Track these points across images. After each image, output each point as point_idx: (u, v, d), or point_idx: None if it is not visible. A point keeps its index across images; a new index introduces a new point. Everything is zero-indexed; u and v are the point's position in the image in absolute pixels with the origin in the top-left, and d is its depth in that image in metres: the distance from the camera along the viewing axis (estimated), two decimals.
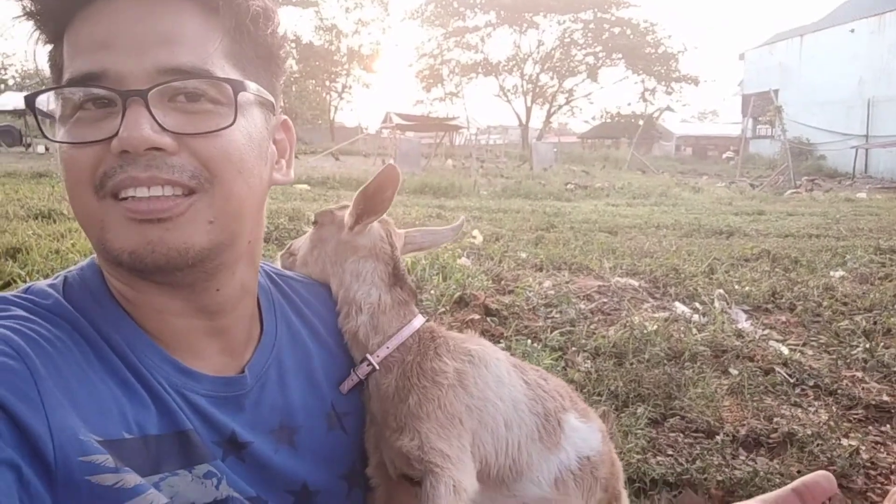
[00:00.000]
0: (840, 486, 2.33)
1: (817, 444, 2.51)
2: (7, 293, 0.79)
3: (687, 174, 22.39)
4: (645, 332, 3.44)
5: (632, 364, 3.07)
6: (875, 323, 4.03)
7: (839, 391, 3.06)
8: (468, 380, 0.93)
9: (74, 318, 0.75)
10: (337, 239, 1.02)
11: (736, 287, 4.65)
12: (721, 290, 4.51)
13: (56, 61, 0.74)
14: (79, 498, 0.66)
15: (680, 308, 4.12)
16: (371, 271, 0.99)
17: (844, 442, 2.60)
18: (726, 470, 2.26)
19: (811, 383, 3.14)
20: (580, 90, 47.68)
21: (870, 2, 26.19)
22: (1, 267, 3.77)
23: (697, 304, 4.26)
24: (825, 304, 4.39)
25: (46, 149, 15.65)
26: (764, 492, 0.83)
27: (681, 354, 3.23)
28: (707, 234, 7.62)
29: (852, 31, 26.85)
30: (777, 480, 2.18)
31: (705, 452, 2.37)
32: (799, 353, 3.50)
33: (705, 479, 2.21)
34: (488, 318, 3.64)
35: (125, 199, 0.70)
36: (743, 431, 2.58)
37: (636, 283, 4.65)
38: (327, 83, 44.80)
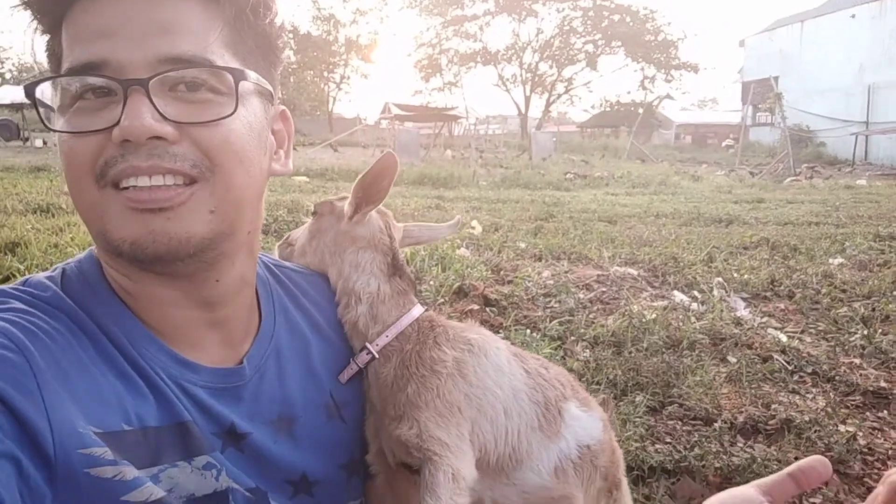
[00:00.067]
0: (837, 471, 2.34)
1: (815, 431, 2.52)
2: (5, 286, 0.79)
3: (686, 162, 22.34)
4: (643, 320, 3.45)
5: (630, 353, 3.08)
6: (873, 309, 4.04)
7: (837, 378, 3.07)
8: (467, 369, 0.94)
9: (73, 310, 0.75)
10: (336, 229, 1.02)
11: (735, 275, 4.65)
12: (720, 279, 4.51)
13: (54, 51, 0.74)
14: (78, 490, 0.67)
15: (678, 296, 4.13)
16: (370, 261, 1.00)
17: (842, 428, 2.61)
18: (724, 457, 2.27)
19: (809, 370, 3.15)
20: (579, 79, 47.42)
21: None
22: (0, 261, 3.78)
23: (696, 293, 4.27)
24: (824, 291, 4.40)
25: (44, 142, 15.60)
26: (761, 478, 0.84)
27: (679, 342, 3.24)
28: (706, 223, 7.62)
29: (853, 16, 26.68)
30: (774, 467, 2.19)
31: (703, 440, 2.39)
32: (797, 341, 3.51)
33: (703, 466, 2.22)
34: (487, 309, 3.65)
35: (126, 188, 0.70)
36: (741, 418, 2.59)
37: (635, 272, 4.66)
38: (325, 74, 44.56)
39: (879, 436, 2.67)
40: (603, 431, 1.04)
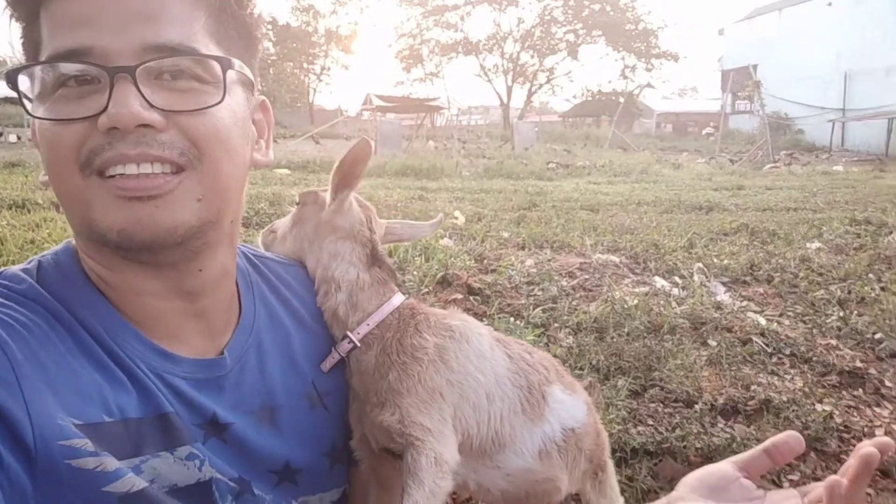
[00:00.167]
0: (814, 449, 2.40)
1: (793, 410, 2.57)
2: None
3: (667, 151, 22.51)
4: (625, 306, 3.49)
5: (612, 338, 3.11)
6: (849, 292, 4.12)
7: (814, 359, 3.13)
8: (448, 355, 0.94)
9: (50, 302, 0.75)
10: (317, 218, 1.02)
11: (715, 261, 4.71)
12: (700, 264, 4.57)
13: (32, 39, 0.73)
14: (59, 482, 0.67)
15: (660, 282, 4.18)
16: (349, 251, 1.00)
17: (819, 407, 2.67)
18: (705, 437, 2.31)
19: (787, 352, 3.20)
20: (561, 68, 47.53)
21: None
22: None
23: (677, 279, 4.32)
24: (801, 275, 4.48)
25: (18, 138, 15.29)
26: None
27: (660, 327, 3.28)
28: (687, 210, 7.70)
29: (830, 4, 26.99)
30: (753, 445, 2.22)
31: (684, 421, 2.43)
32: (776, 324, 3.57)
33: (684, 446, 2.26)
34: (471, 298, 3.66)
35: (112, 176, 0.70)
36: (721, 400, 2.64)
37: (617, 260, 4.70)
38: (305, 65, 44.11)
39: (855, 414, 2.73)
40: (587, 414, 1.06)
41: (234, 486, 0.82)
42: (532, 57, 42.68)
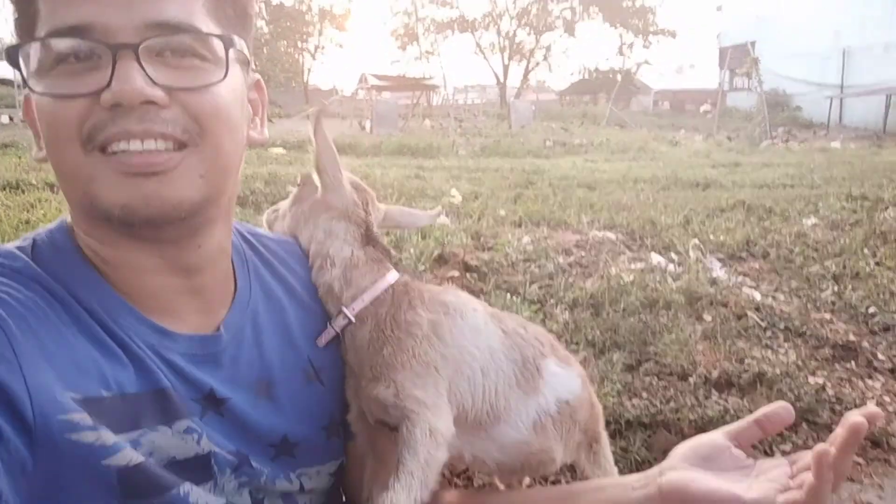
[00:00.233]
0: (806, 420, 2.43)
1: (786, 383, 2.61)
2: None
3: (665, 128, 22.40)
4: (621, 282, 3.50)
5: (608, 314, 3.13)
6: (844, 267, 4.14)
7: (808, 333, 3.16)
8: (443, 330, 0.95)
9: (45, 279, 0.75)
10: (313, 198, 1.04)
11: (711, 237, 4.73)
12: (696, 241, 4.58)
13: (28, 14, 0.72)
14: (59, 456, 0.67)
15: (656, 259, 4.19)
16: (343, 230, 1.01)
17: (811, 380, 2.70)
18: (698, 410, 2.35)
19: (782, 326, 3.23)
20: (558, 46, 47.08)
21: None
22: None
23: (673, 255, 4.34)
24: (797, 250, 4.50)
25: (10, 119, 15.14)
26: None
27: (656, 303, 3.30)
28: (684, 187, 7.70)
29: None
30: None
31: (679, 394, 2.46)
32: (771, 298, 3.60)
33: (678, 419, 2.29)
34: (468, 275, 3.68)
35: (114, 153, 0.70)
36: (715, 373, 2.66)
37: (613, 237, 4.71)
38: (299, 44, 43.58)
39: (847, 386, 2.76)
40: (582, 387, 1.07)
41: (232, 460, 0.83)
42: (529, 34, 42.25)
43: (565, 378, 1.04)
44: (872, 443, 2.47)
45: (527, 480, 1.33)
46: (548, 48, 43.43)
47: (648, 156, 12.49)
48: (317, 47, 44.20)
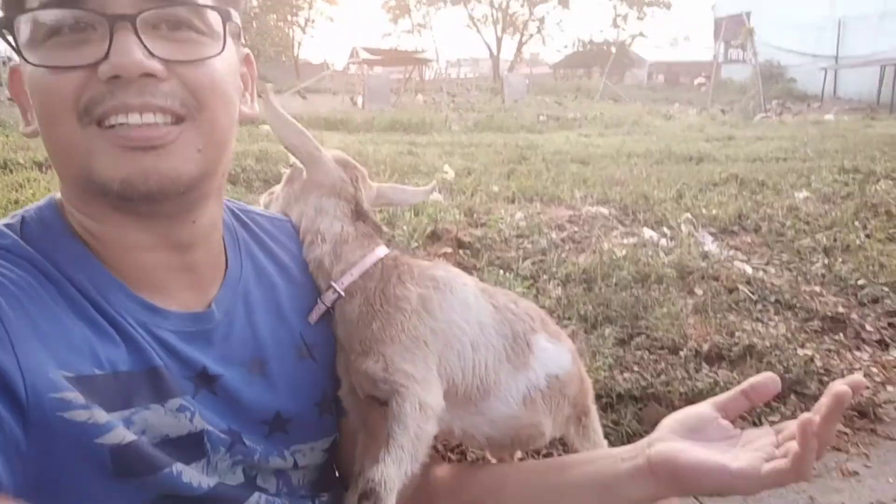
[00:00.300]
0: (794, 391, 2.47)
1: (775, 355, 2.64)
2: None
3: (659, 102, 22.28)
4: (614, 257, 3.52)
5: (601, 289, 3.15)
6: (835, 240, 4.17)
7: (798, 305, 3.20)
8: (432, 304, 0.95)
9: (35, 257, 0.74)
10: (302, 178, 1.04)
11: (703, 211, 4.73)
12: (689, 215, 4.59)
13: None
14: (51, 434, 0.68)
15: (648, 233, 4.20)
16: (333, 206, 1.01)
17: (800, 352, 2.74)
18: (689, 382, 2.38)
19: (772, 299, 3.26)
20: (551, 18, 46.49)
21: None
22: None
23: (665, 229, 4.35)
24: (788, 224, 4.52)
25: None
26: None
27: (647, 277, 3.32)
28: (677, 161, 7.68)
29: None
30: None
31: (669, 367, 2.49)
32: (762, 272, 3.62)
33: (669, 391, 2.33)
34: (461, 251, 3.68)
35: (112, 126, 0.69)
36: (706, 347, 2.69)
37: (606, 212, 4.71)
38: (289, 18, 42.87)
39: (836, 357, 2.81)
40: (572, 362, 1.07)
41: (225, 438, 0.83)
42: (522, 6, 41.68)
43: (555, 353, 1.05)
44: (859, 413, 2.51)
45: (518, 454, 1.35)
46: (541, 20, 42.92)
47: (642, 130, 12.43)
48: (307, 21, 43.52)
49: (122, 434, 0.72)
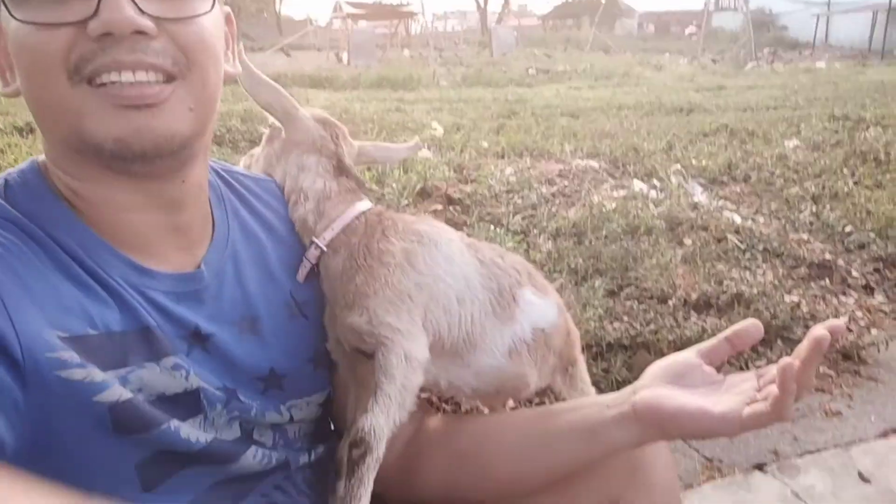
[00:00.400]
0: (781, 336, 2.52)
1: (762, 302, 2.68)
2: None
3: (649, 52, 21.93)
4: (604, 210, 3.52)
5: (591, 242, 3.16)
6: (823, 188, 4.18)
7: (785, 253, 3.23)
8: (416, 258, 0.96)
9: (20, 220, 0.74)
10: (281, 137, 1.04)
11: (693, 162, 4.72)
12: (678, 166, 4.58)
13: None
14: (49, 393, 0.68)
15: (638, 185, 4.20)
16: (315, 163, 1.01)
17: (787, 298, 2.78)
18: (677, 331, 2.42)
19: (760, 248, 3.29)
20: None
21: None
22: None
23: (655, 181, 4.34)
24: (778, 172, 4.52)
25: None
26: None
27: (637, 229, 3.33)
28: (668, 112, 7.61)
29: None
30: None
31: (658, 316, 2.53)
32: (750, 221, 3.64)
33: (657, 339, 2.37)
34: (451, 208, 3.67)
35: (103, 84, 0.68)
36: (694, 296, 2.73)
37: (596, 165, 4.69)
38: None
39: (821, 303, 2.86)
40: (558, 315, 1.09)
41: (220, 395, 0.85)
42: None
43: (541, 306, 1.06)
44: (843, 356, 2.57)
45: (511, 403, 1.39)
46: None
47: (633, 81, 12.27)
48: None
49: (119, 392, 0.73)
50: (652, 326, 2.42)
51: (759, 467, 2.02)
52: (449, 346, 0.98)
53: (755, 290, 2.75)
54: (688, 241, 3.29)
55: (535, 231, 3.38)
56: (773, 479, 1.97)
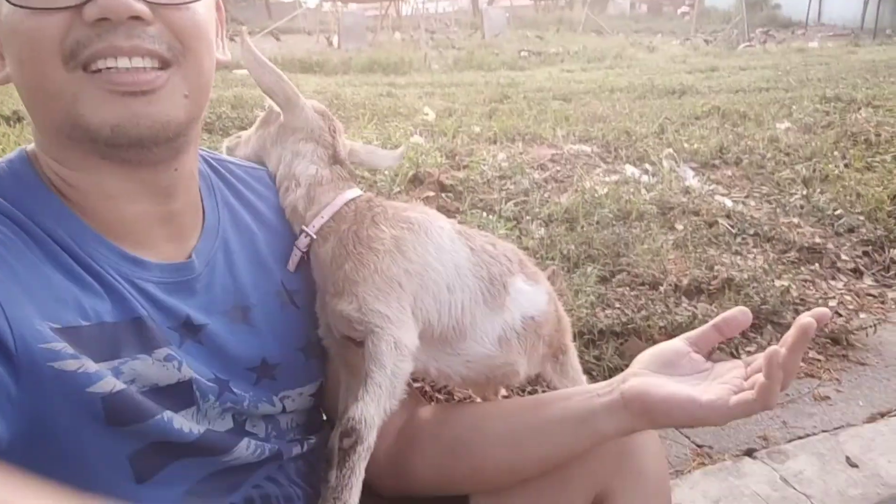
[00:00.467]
0: (770, 321, 2.54)
1: (753, 287, 2.70)
2: None
3: (642, 33, 21.75)
4: (596, 196, 3.52)
5: (583, 227, 3.16)
6: (814, 170, 4.19)
7: (776, 237, 3.24)
8: (406, 246, 0.96)
9: (10, 211, 0.74)
10: (279, 121, 1.03)
11: (685, 145, 4.71)
12: (670, 150, 4.58)
13: None
14: (44, 384, 0.69)
15: (630, 170, 4.20)
16: (310, 151, 1.01)
17: (777, 283, 2.80)
18: (668, 316, 2.44)
19: (751, 232, 3.30)
20: None
21: None
22: None
23: (647, 166, 4.34)
24: (769, 156, 4.52)
25: None
26: None
27: (629, 214, 3.33)
28: (660, 95, 7.58)
29: None
30: None
31: (650, 302, 2.54)
32: (742, 205, 3.66)
33: (649, 326, 2.38)
34: (443, 195, 3.66)
35: (98, 70, 0.68)
36: (685, 281, 2.74)
37: (588, 150, 4.68)
38: None
39: (811, 287, 2.88)
40: (548, 303, 1.10)
41: (213, 386, 0.85)
42: None
43: (532, 294, 1.07)
44: (832, 340, 2.60)
45: (503, 392, 1.40)
46: None
47: (625, 63, 12.19)
48: None
49: (112, 383, 0.74)
50: (643, 313, 2.44)
51: (749, 453, 2.05)
52: (439, 333, 0.98)
53: (745, 275, 2.76)
54: (679, 226, 3.30)
55: (528, 217, 3.38)
56: (762, 465, 2.00)
